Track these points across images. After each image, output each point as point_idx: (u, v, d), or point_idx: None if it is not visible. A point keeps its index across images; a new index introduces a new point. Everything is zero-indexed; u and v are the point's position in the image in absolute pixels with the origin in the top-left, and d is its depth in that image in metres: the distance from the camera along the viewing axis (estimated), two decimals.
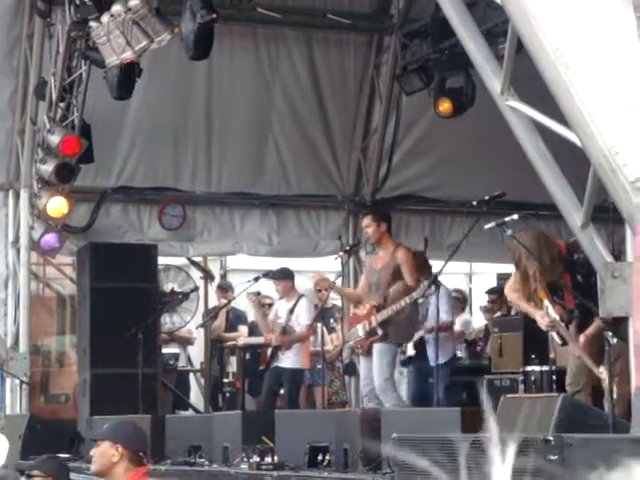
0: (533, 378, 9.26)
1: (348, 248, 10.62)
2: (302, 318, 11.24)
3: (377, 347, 9.55)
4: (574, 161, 6.72)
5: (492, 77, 6.59)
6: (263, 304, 12.74)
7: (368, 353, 9.63)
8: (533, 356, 9.80)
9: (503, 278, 15.16)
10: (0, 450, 3.14)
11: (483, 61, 6.66)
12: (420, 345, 10.74)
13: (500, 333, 10.98)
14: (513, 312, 12.49)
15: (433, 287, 9.29)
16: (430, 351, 10.39)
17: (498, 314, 12.33)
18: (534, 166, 6.57)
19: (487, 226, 8.91)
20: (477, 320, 13.71)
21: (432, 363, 10.29)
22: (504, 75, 6.50)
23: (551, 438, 5.60)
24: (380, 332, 9.52)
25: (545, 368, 9.38)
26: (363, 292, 9.92)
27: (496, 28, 8.75)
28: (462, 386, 11.33)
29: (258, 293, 12.36)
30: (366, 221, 9.93)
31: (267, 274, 11.54)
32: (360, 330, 9.67)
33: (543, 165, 6.50)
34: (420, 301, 10.05)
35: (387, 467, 7.40)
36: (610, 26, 5.69)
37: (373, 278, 9.75)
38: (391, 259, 9.65)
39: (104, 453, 5.13)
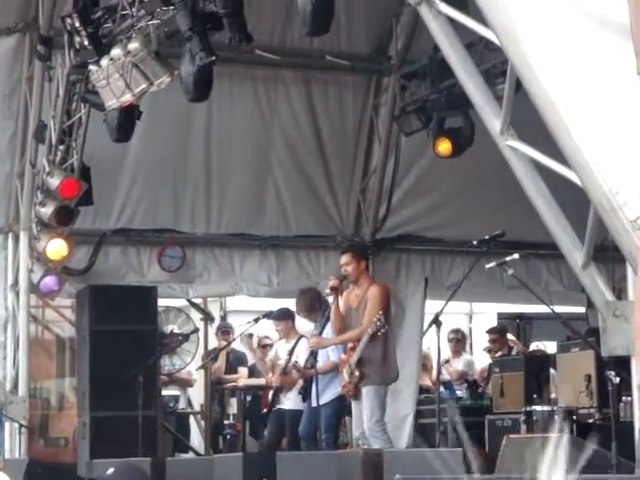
0: (535, 418, 9.22)
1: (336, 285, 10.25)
2: (302, 359, 11.21)
3: (365, 390, 9.52)
4: (574, 201, 6.73)
5: (491, 117, 6.61)
6: (264, 345, 12.70)
7: (356, 397, 9.61)
8: (535, 396, 9.77)
9: (503, 317, 15.19)
10: None
11: (482, 101, 6.69)
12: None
13: (501, 373, 10.95)
14: (514, 352, 12.48)
15: (383, 321, 9.27)
16: (313, 392, 10.37)
17: (499, 354, 12.30)
18: (534, 205, 6.57)
19: (488, 266, 8.91)
20: (480, 361, 13.67)
21: (314, 404, 10.30)
22: (503, 115, 6.53)
23: (555, 479, 5.55)
24: (357, 374, 9.49)
25: (547, 408, 9.34)
26: (338, 328, 9.82)
27: (494, 69, 8.81)
28: (464, 427, 11.27)
29: (251, 335, 12.28)
30: (345, 259, 9.80)
31: (267, 315, 11.52)
32: (345, 374, 9.65)
33: (543, 204, 6.51)
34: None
35: None
36: (609, 66, 5.71)
37: (352, 319, 9.72)
38: (364, 297, 9.63)
39: None
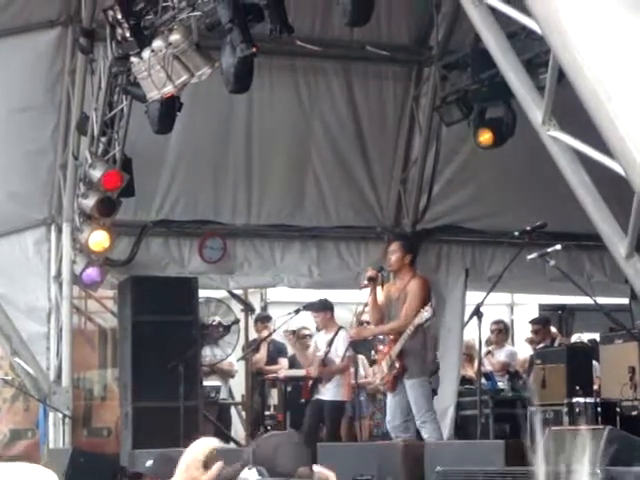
0: (577, 410, 9.16)
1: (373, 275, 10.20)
2: (341, 350, 11.21)
3: (408, 384, 9.49)
4: (617, 191, 6.67)
5: (533, 107, 6.57)
6: (302, 336, 12.72)
7: (393, 389, 9.57)
8: (577, 387, 9.71)
9: (545, 309, 15.10)
10: None
11: (524, 91, 6.65)
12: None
13: (543, 364, 10.89)
14: (556, 343, 12.41)
15: (430, 314, 9.22)
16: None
17: (541, 345, 12.23)
18: (576, 196, 6.52)
19: (530, 257, 8.87)
20: (521, 352, 13.61)
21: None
22: (545, 105, 6.48)
23: (598, 471, 5.53)
24: (397, 365, 9.46)
25: (589, 400, 9.28)
26: (376, 318, 9.79)
27: (537, 58, 8.73)
28: (505, 418, 11.24)
29: (293, 332, 12.27)
30: (393, 247, 9.81)
31: (307, 306, 11.52)
32: (384, 366, 9.63)
33: (586, 195, 6.46)
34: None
35: None
36: None
37: (391, 310, 9.70)
38: (404, 289, 9.61)
39: None
